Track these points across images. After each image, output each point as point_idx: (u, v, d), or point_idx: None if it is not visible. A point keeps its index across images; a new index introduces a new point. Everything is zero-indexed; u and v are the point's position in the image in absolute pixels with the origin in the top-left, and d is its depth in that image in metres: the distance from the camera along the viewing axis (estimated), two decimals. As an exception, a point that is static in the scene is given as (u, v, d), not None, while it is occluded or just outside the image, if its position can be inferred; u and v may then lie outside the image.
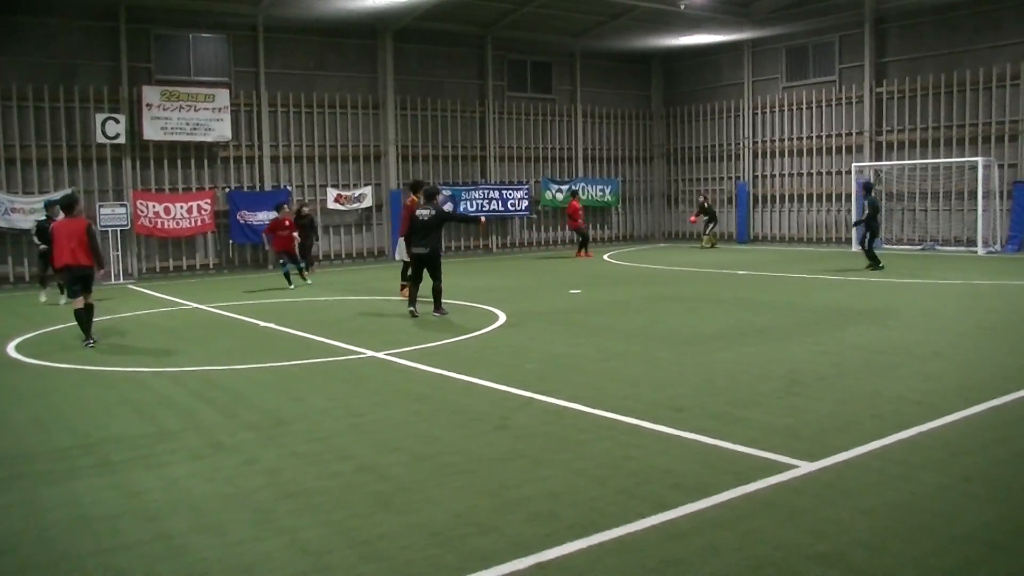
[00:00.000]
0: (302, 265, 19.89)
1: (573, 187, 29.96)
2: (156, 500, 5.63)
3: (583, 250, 26.90)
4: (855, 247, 21.39)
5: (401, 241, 15.87)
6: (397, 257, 16.86)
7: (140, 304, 16.93)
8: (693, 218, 29.81)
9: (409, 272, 15.18)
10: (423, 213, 13.67)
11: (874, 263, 19.45)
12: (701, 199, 30.04)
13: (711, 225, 29.29)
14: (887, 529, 4.82)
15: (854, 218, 24.26)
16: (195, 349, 11.66)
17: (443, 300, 13.95)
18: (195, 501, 5.59)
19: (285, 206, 20.00)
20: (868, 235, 19.95)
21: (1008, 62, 24.23)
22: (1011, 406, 7.45)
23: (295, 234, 19.49)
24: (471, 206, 28.14)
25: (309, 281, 19.59)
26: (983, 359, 9.53)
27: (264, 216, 24.34)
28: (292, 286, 18.83)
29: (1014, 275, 17.73)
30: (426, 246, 13.52)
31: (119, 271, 22.46)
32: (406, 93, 27.67)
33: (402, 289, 16.17)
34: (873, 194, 20.40)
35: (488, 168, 29.58)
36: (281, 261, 19.53)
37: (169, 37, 24.00)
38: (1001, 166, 24.44)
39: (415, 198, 15.71)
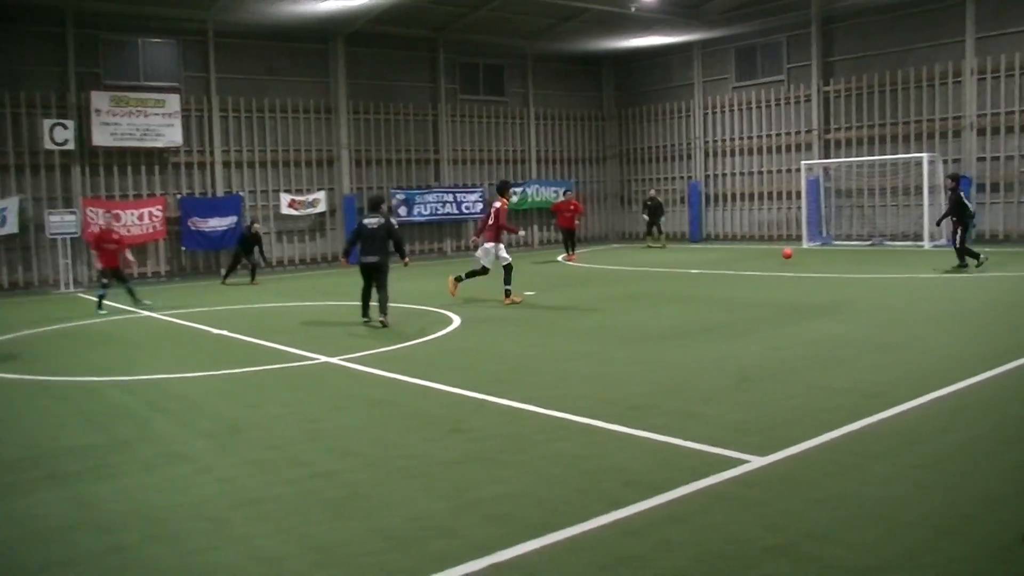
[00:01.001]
0: (131, 286, 17.03)
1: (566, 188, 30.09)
2: (109, 511, 5.57)
3: (569, 251, 25.98)
4: (946, 245, 18.72)
5: (487, 246, 15.53)
6: (482, 258, 15.74)
7: (91, 313, 16.65)
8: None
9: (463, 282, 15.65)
10: (371, 222, 13.36)
11: (973, 258, 17.60)
12: (653, 192, 30.09)
13: (657, 222, 28.65)
14: (836, 519, 4.92)
15: (939, 213, 21.09)
16: (148, 357, 11.51)
17: (391, 304, 13.52)
18: (149, 511, 5.54)
19: (112, 221, 18.03)
20: (960, 230, 18.03)
21: (950, 60, 24.77)
22: (957, 395, 7.64)
23: (127, 252, 17.28)
24: (425, 209, 28.13)
25: (148, 302, 16.94)
26: (930, 350, 9.74)
27: (216, 222, 24.19)
28: (103, 311, 16.24)
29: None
30: (375, 255, 13.26)
31: (69, 279, 22.09)
32: (359, 97, 27.55)
33: (507, 297, 15.48)
34: (959, 186, 18.48)
35: (442, 171, 29.55)
36: (103, 282, 16.57)
37: (118, 42, 23.65)
38: (946, 161, 24.96)
39: (505, 201, 15.79)
